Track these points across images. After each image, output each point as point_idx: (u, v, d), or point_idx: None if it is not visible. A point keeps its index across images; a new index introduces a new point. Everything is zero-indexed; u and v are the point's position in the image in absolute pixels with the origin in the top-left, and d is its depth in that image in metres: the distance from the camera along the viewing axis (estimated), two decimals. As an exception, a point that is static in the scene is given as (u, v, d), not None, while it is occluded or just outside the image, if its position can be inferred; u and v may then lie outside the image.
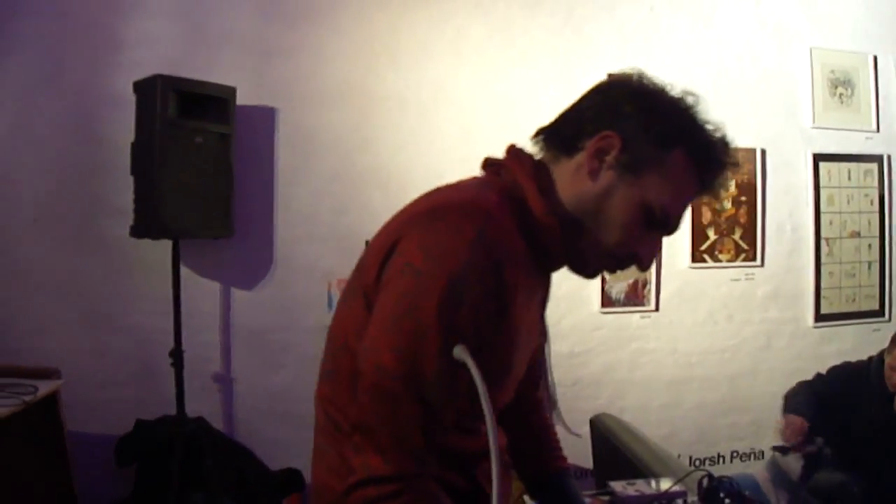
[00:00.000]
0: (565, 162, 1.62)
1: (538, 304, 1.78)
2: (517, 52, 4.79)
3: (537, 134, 1.69)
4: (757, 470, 4.80)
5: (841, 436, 4.23)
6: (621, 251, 1.60)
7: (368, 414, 1.43)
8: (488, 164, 1.72)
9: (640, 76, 1.62)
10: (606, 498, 2.24)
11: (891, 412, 4.05)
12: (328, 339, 1.69)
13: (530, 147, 1.69)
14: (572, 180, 1.60)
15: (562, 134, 1.64)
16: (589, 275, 1.70)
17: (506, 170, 1.65)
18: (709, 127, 1.60)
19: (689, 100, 1.61)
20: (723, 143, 1.61)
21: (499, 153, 1.71)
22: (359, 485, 1.41)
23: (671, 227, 1.62)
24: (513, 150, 1.68)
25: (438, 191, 1.63)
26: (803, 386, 4.46)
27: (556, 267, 1.71)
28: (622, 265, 1.66)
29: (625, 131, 1.54)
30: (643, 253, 1.62)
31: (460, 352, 1.34)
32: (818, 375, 4.50)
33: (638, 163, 1.54)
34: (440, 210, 1.51)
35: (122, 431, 4.03)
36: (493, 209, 1.50)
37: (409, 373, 1.39)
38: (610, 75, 1.71)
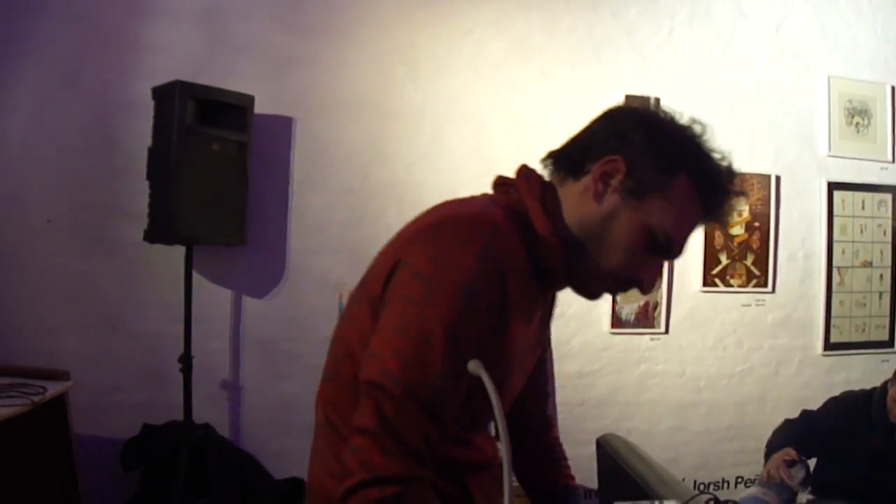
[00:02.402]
0: (572, 184, 1.65)
1: (538, 323, 1.78)
2: (535, 70, 4.80)
3: (547, 157, 1.72)
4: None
5: (841, 465, 4.21)
6: (624, 274, 1.63)
7: (372, 417, 1.41)
8: (499, 182, 1.75)
9: (649, 104, 1.65)
10: (612, 518, 2.24)
11: (892, 443, 4.03)
12: (332, 343, 1.71)
13: (541, 168, 1.72)
14: (578, 202, 1.63)
15: (570, 157, 1.68)
16: (591, 296, 1.73)
17: (514, 189, 1.69)
18: (715, 155, 1.62)
19: (697, 128, 1.63)
20: (728, 172, 1.63)
21: (514, 170, 1.73)
22: (359, 486, 1.39)
23: (674, 252, 1.64)
24: (523, 171, 1.72)
25: (446, 204, 1.65)
26: (784, 426, 4.43)
27: (557, 287, 1.75)
28: (624, 288, 1.70)
29: (630, 156, 1.58)
30: (645, 277, 1.66)
31: (475, 367, 1.34)
32: (803, 413, 4.46)
33: (642, 187, 1.57)
34: (449, 222, 1.53)
35: (129, 435, 4.03)
36: (500, 223, 1.53)
37: (414, 378, 1.41)
38: (627, 97, 1.75)
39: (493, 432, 1.88)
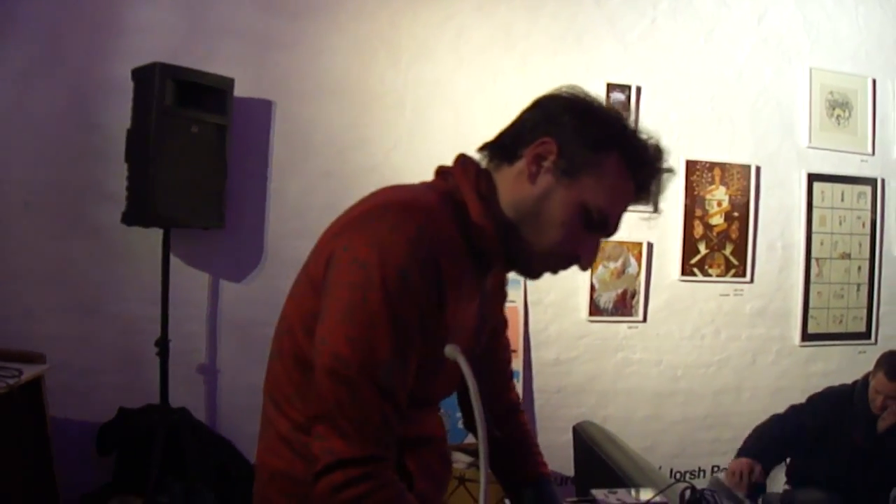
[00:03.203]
0: (507, 169, 1.70)
1: (477, 307, 1.83)
2: (517, 56, 4.80)
3: (483, 147, 1.77)
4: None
5: (821, 459, 4.22)
6: (561, 251, 1.68)
7: (329, 402, 1.50)
8: (439, 171, 1.81)
9: (576, 90, 1.71)
10: (587, 505, 2.24)
11: (874, 434, 4.06)
12: (276, 325, 1.80)
13: (478, 157, 1.78)
14: (513, 185, 1.68)
15: (503, 144, 1.73)
16: (531, 276, 1.78)
17: (451, 176, 1.74)
18: (642, 134, 1.68)
19: (623, 112, 1.74)
20: (655, 149, 1.69)
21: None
22: (325, 471, 1.49)
23: (609, 229, 1.69)
24: (460, 158, 1.77)
25: (383, 191, 1.73)
26: (766, 423, 4.42)
27: (495, 268, 1.79)
28: (564, 265, 1.73)
29: (561, 137, 1.63)
30: (583, 253, 1.70)
31: (452, 351, 1.39)
32: (791, 408, 4.46)
33: (574, 166, 1.62)
34: (382, 208, 1.60)
35: (105, 419, 4.02)
36: (433, 208, 1.61)
37: (364, 359, 1.49)
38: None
39: (461, 427, 1.91)
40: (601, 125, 1.64)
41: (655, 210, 1.75)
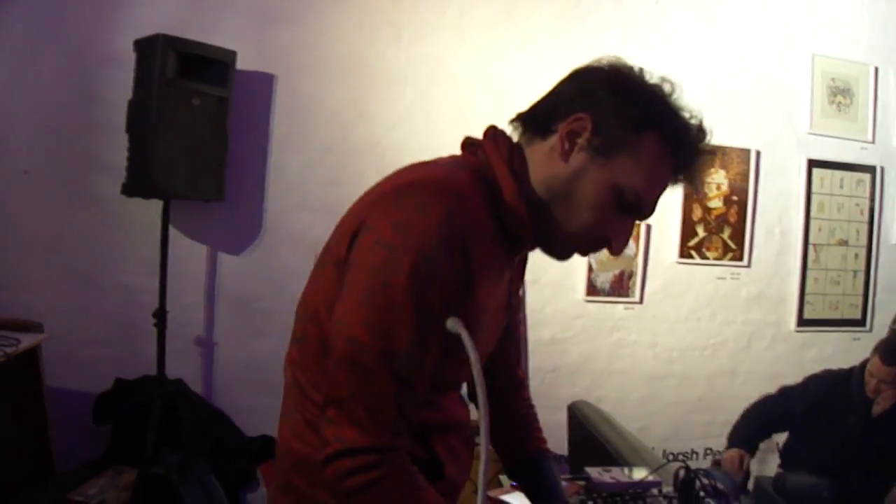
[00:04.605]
0: (539, 144, 1.62)
1: (506, 285, 1.77)
2: (519, 35, 4.79)
3: (516, 118, 1.69)
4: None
5: (813, 441, 4.25)
6: (592, 233, 1.61)
7: (342, 387, 1.44)
8: (467, 143, 1.73)
9: (616, 63, 1.62)
10: (582, 483, 2.26)
11: (869, 418, 4.08)
12: (299, 306, 1.70)
13: (510, 130, 1.70)
14: (545, 162, 1.60)
15: (537, 117, 1.64)
16: (559, 257, 1.70)
17: (482, 150, 1.66)
18: (684, 113, 1.60)
19: (666, 86, 1.60)
20: (698, 130, 1.60)
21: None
22: (334, 456, 1.43)
23: (644, 212, 1.61)
24: (491, 132, 1.69)
25: (412, 167, 1.65)
26: (759, 405, 4.45)
27: (524, 249, 1.74)
28: (594, 248, 1.67)
29: (597, 114, 1.54)
30: (614, 237, 1.62)
31: (454, 324, 1.36)
32: (781, 389, 4.48)
33: (610, 145, 1.54)
34: (411, 187, 1.52)
35: (101, 389, 4.04)
36: (464, 188, 1.52)
37: (382, 346, 1.42)
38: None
39: (463, 394, 1.87)
40: (640, 102, 1.55)
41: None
